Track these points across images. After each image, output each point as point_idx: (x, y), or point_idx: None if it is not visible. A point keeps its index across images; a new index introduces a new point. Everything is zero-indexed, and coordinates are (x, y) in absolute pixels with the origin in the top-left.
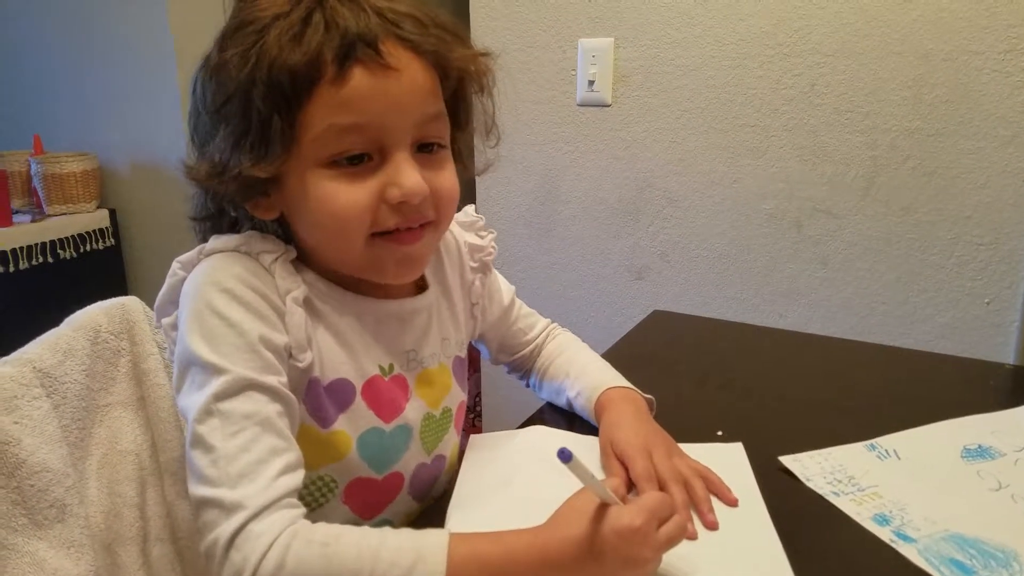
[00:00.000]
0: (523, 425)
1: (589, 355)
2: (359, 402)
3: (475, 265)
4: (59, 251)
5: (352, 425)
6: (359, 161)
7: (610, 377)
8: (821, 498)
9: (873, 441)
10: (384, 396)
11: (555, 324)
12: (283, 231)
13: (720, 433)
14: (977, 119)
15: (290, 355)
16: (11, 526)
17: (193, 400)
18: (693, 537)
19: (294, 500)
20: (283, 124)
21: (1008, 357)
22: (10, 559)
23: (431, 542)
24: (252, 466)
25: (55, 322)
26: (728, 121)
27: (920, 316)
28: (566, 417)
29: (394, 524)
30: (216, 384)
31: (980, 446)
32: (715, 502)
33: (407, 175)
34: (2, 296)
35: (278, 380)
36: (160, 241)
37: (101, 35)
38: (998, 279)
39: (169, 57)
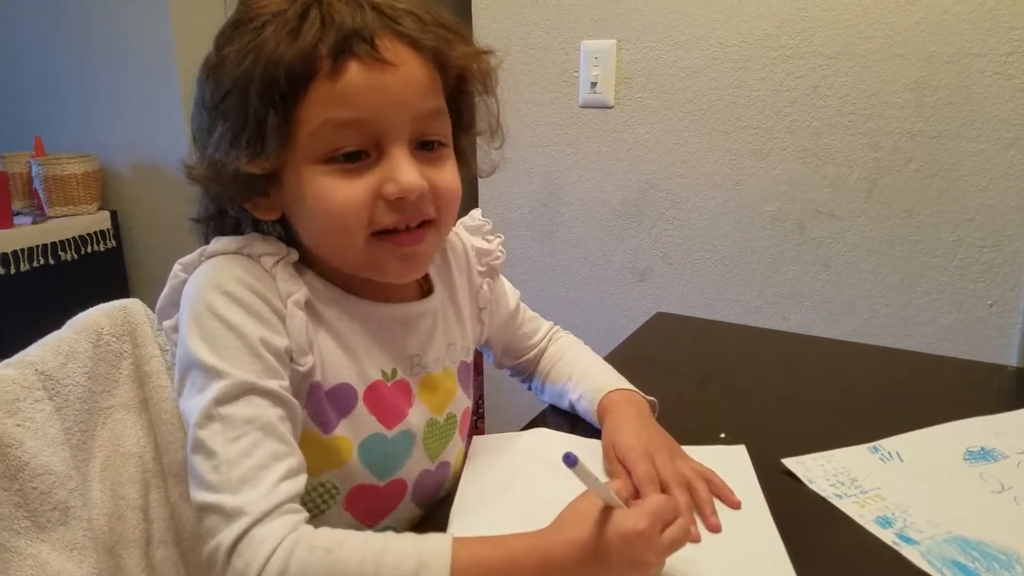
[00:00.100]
0: (526, 427)
1: (591, 357)
2: (361, 407)
3: (483, 269)
4: (60, 253)
5: (353, 431)
6: (356, 158)
7: (612, 380)
8: (824, 500)
9: (876, 443)
10: (386, 401)
11: (557, 327)
12: (286, 233)
13: (723, 435)
14: (980, 121)
15: (291, 359)
16: (14, 529)
17: (194, 404)
18: (696, 540)
19: (296, 505)
20: (279, 120)
21: (1011, 359)
22: (13, 561)
23: (434, 547)
24: (254, 471)
25: (56, 324)
26: (731, 123)
27: (923, 318)
28: (568, 419)
29: (397, 531)
30: (217, 388)
31: (983, 448)
32: (718, 504)
33: (404, 171)
34: (3, 298)
35: (279, 384)
36: (161, 243)
37: (102, 37)
38: (1001, 281)
39: (170, 59)
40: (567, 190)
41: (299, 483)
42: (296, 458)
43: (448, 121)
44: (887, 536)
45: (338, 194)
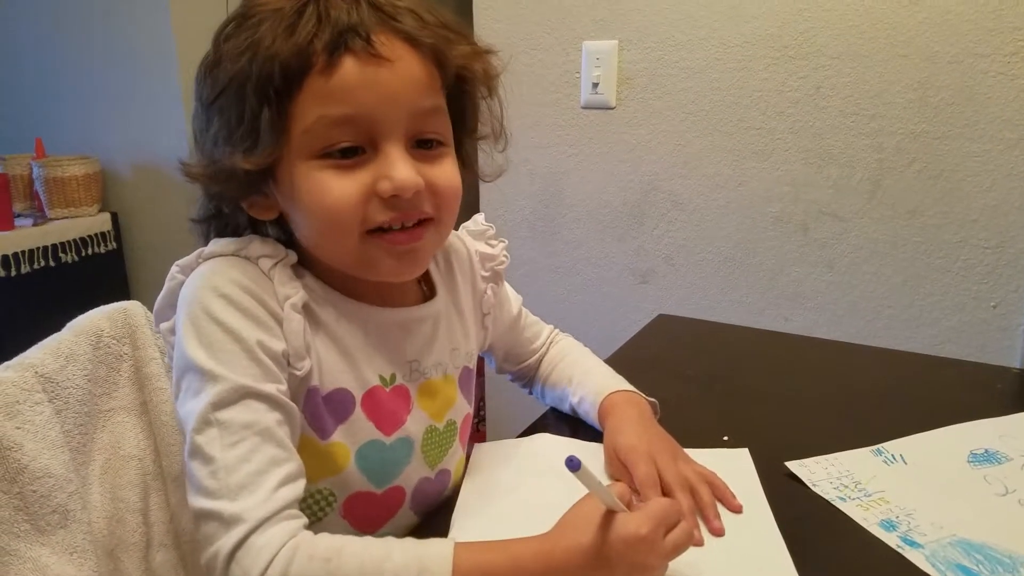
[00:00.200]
0: (527, 431)
1: (591, 360)
2: (358, 413)
3: (486, 274)
4: (61, 255)
5: (351, 437)
6: (351, 154)
7: (613, 381)
8: (827, 503)
9: (879, 446)
10: (385, 407)
11: (557, 330)
12: (284, 234)
13: (726, 438)
14: (983, 122)
15: (288, 363)
16: (13, 532)
17: (190, 408)
18: (700, 544)
19: (295, 511)
20: (273, 115)
21: (1015, 361)
22: (12, 565)
23: (435, 552)
24: (252, 477)
25: (57, 326)
26: (733, 124)
27: (926, 320)
28: (569, 422)
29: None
30: (213, 392)
31: (987, 451)
32: (721, 508)
33: (398, 168)
34: (3, 300)
35: (277, 388)
36: (162, 245)
37: (103, 38)
38: (1004, 282)
39: (171, 60)
40: (569, 191)
41: (298, 488)
42: (295, 463)
43: (447, 120)
44: (891, 539)
45: (332, 191)
